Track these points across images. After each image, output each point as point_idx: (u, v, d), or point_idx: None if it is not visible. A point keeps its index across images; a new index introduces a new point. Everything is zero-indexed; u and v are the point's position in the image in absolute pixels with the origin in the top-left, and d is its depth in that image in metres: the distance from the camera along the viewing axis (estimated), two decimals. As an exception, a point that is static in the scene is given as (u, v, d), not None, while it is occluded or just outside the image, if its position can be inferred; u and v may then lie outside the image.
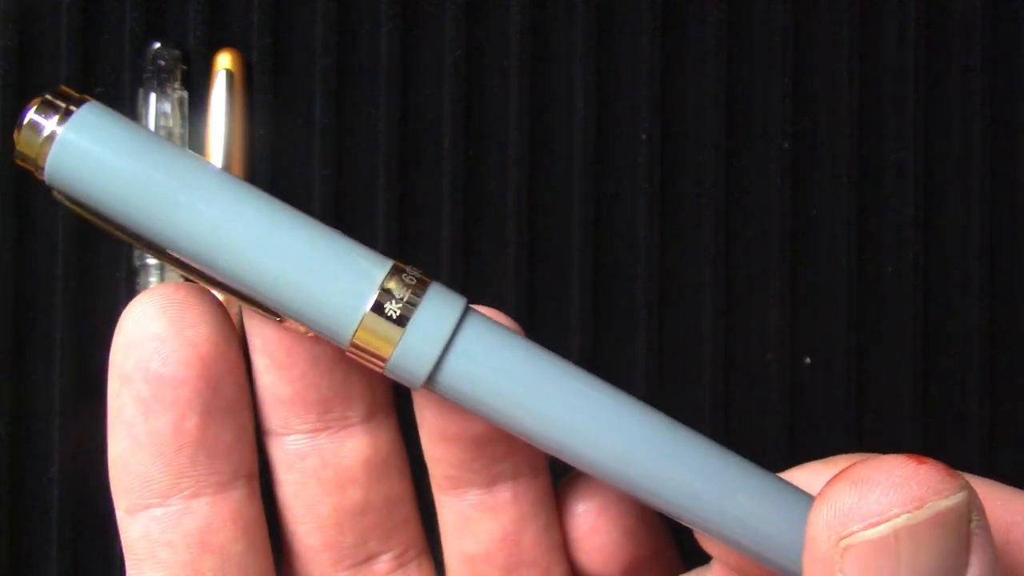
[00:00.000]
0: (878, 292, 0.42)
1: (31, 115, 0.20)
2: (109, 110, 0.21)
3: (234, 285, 0.21)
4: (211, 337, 0.22)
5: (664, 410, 0.41)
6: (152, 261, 0.40)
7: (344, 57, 0.41)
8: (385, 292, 0.21)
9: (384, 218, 0.41)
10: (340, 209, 0.41)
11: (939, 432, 0.42)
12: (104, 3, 0.41)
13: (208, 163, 0.21)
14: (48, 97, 0.21)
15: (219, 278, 0.21)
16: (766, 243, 0.42)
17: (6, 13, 0.40)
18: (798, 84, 0.42)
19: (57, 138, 0.20)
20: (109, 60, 0.41)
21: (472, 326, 0.21)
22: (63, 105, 0.20)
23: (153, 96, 0.40)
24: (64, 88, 0.21)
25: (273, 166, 0.41)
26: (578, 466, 0.21)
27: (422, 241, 0.41)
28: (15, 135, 0.21)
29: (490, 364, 0.21)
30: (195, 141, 0.41)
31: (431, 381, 0.21)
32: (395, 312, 0.21)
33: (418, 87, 0.41)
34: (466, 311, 0.21)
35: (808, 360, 0.42)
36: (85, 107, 0.20)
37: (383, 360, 0.20)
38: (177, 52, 0.40)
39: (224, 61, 0.41)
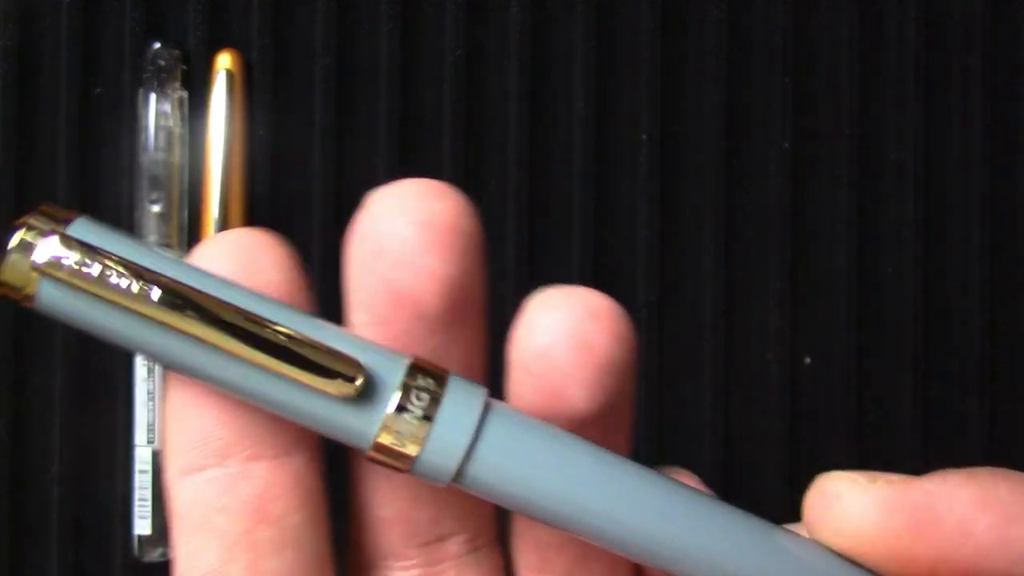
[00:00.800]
0: (878, 292, 0.42)
1: (19, 239, 0.19)
2: (100, 224, 0.20)
3: (242, 395, 0.20)
4: (282, 286, 0.21)
5: (664, 410, 0.41)
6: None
7: (344, 57, 0.41)
8: (406, 389, 0.20)
9: (384, 218, 0.41)
10: (340, 209, 0.41)
11: (939, 432, 0.42)
12: (104, 3, 0.41)
13: (183, 263, 0.20)
14: (33, 220, 0.19)
15: (228, 389, 0.20)
16: (766, 243, 0.42)
17: (6, 13, 0.40)
18: (798, 84, 0.42)
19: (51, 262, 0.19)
20: (109, 60, 0.41)
21: (496, 416, 0.20)
22: (51, 226, 0.19)
23: (153, 96, 0.40)
24: (47, 208, 0.20)
25: (273, 166, 0.41)
26: (607, 547, 0.21)
27: (422, 241, 0.41)
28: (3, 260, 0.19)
29: (518, 452, 0.20)
30: (195, 141, 0.41)
31: (457, 476, 0.20)
32: (419, 409, 0.20)
33: (418, 87, 0.41)
34: (488, 401, 0.20)
35: (808, 360, 0.42)
36: (76, 224, 0.19)
37: (409, 460, 0.20)
38: (177, 52, 0.40)
39: (224, 61, 0.41)
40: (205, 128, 0.40)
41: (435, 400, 0.20)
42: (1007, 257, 0.43)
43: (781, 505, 0.42)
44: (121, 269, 0.19)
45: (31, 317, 0.41)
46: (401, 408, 0.19)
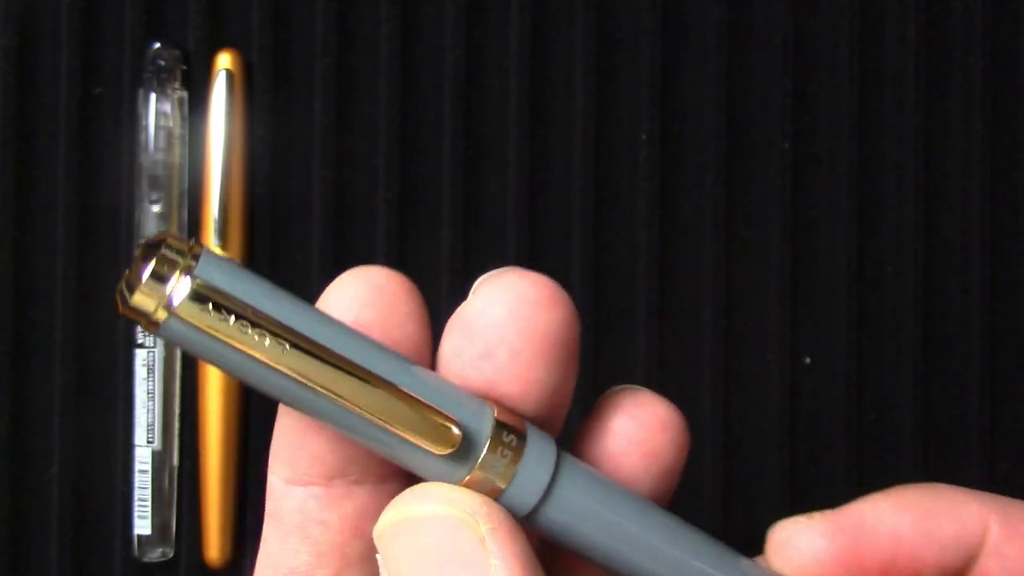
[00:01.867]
0: (878, 292, 0.42)
1: (152, 270, 0.20)
2: (224, 260, 0.20)
3: (352, 434, 0.21)
4: (414, 334, 0.22)
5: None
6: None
7: (344, 57, 0.41)
8: (493, 441, 0.21)
9: (384, 218, 0.41)
10: (340, 209, 0.41)
11: (939, 432, 0.42)
12: (104, 3, 0.41)
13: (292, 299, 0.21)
14: (165, 252, 0.20)
15: (352, 433, 0.21)
16: (766, 243, 0.42)
17: (6, 13, 0.40)
18: (798, 84, 0.42)
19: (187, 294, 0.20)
20: (109, 60, 0.41)
21: (567, 464, 0.22)
22: (182, 261, 0.20)
23: (153, 96, 0.40)
24: (173, 238, 0.20)
25: (273, 166, 0.41)
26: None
27: (422, 241, 0.41)
28: (127, 292, 0.20)
29: (588, 496, 0.22)
30: (195, 141, 0.41)
31: (531, 514, 0.22)
32: (508, 450, 0.21)
33: (418, 87, 0.41)
34: (559, 450, 0.22)
35: (808, 360, 0.42)
36: (204, 260, 0.20)
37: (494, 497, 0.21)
38: (177, 52, 0.40)
39: (224, 61, 0.41)
40: (205, 128, 0.40)
41: (517, 453, 0.21)
42: (1007, 257, 0.43)
43: (780, 505, 0.42)
44: (252, 319, 0.20)
45: (31, 317, 0.41)
46: (493, 447, 0.21)
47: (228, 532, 0.40)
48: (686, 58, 0.42)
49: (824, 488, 0.42)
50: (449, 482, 0.21)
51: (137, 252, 0.21)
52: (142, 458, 0.40)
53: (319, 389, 0.20)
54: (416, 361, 0.21)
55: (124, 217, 0.40)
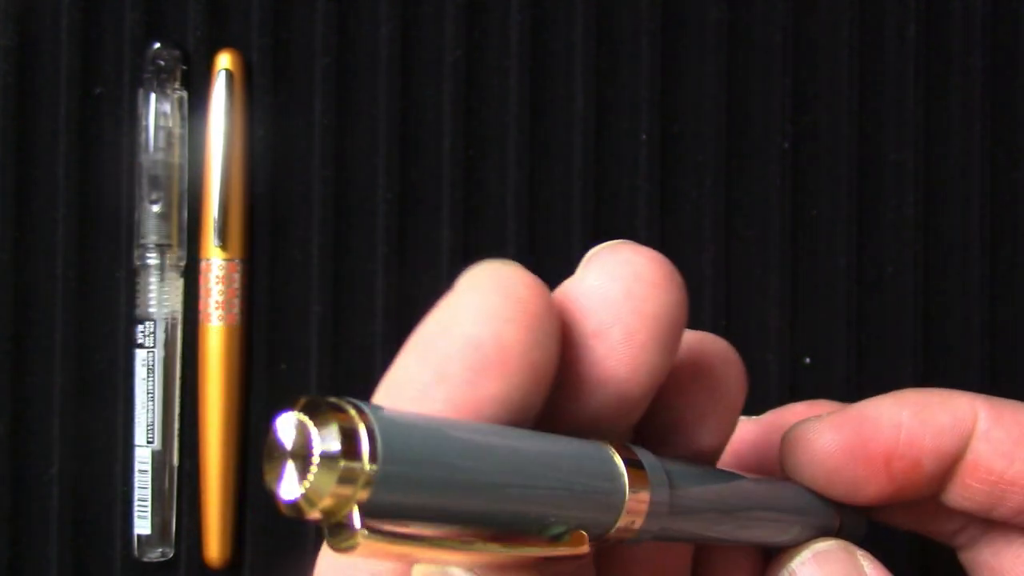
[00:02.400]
0: (878, 292, 0.42)
1: (322, 450, 0.16)
2: (396, 413, 0.17)
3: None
4: (553, 354, 0.20)
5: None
6: (152, 262, 0.40)
7: (344, 57, 0.41)
8: (629, 466, 0.21)
9: (384, 218, 0.41)
10: (340, 209, 0.41)
11: (939, 432, 0.42)
12: (104, 3, 0.41)
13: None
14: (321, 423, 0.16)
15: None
16: (766, 243, 0.42)
17: (6, 13, 0.40)
18: (798, 84, 0.42)
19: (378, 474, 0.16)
20: (109, 60, 0.41)
21: (675, 474, 0.22)
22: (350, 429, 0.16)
23: (153, 96, 0.40)
24: (322, 400, 0.17)
25: (273, 166, 0.41)
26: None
27: (422, 241, 0.41)
28: (304, 493, 0.16)
29: (697, 496, 0.23)
30: (195, 141, 0.41)
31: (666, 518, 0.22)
32: (635, 517, 0.21)
33: (418, 87, 0.41)
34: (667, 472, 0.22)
35: (808, 360, 0.42)
36: (377, 423, 0.17)
37: (639, 519, 0.21)
38: (177, 52, 0.40)
39: (224, 61, 0.41)
40: (205, 128, 0.40)
41: (643, 492, 0.21)
42: (1007, 257, 0.43)
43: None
44: (431, 526, 0.18)
45: (31, 317, 0.41)
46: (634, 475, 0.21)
47: (228, 532, 0.40)
48: (686, 58, 0.42)
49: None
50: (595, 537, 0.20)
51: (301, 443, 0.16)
52: (142, 458, 0.40)
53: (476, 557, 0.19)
54: (544, 382, 0.20)
55: (124, 217, 0.40)
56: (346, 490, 0.16)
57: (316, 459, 0.16)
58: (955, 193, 0.43)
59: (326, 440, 0.16)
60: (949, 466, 0.25)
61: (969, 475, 0.25)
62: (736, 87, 0.42)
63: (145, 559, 0.40)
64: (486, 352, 0.19)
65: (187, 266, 0.41)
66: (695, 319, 0.42)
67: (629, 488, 0.20)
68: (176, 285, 0.40)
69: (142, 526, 0.40)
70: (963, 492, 0.25)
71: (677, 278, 0.21)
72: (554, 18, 0.42)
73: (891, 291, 0.42)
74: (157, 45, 0.40)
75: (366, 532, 0.16)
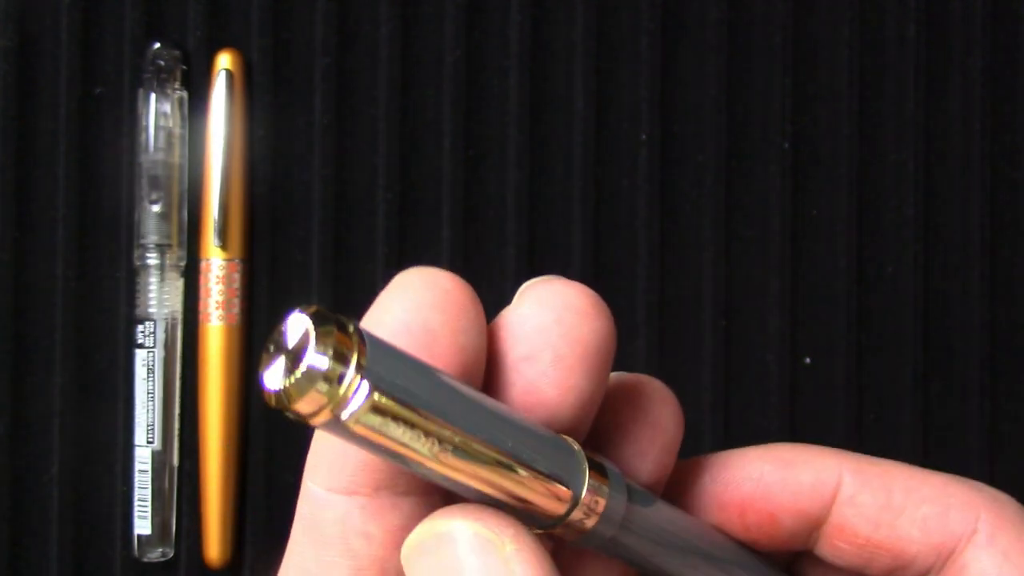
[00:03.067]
0: (878, 292, 0.42)
1: (312, 357, 0.18)
2: (384, 346, 0.19)
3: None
4: (477, 343, 0.22)
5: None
6: (152, 261, 0.40)
7: (344, 57, 0.41)
8: (593, 475, 0.22)
9: (384, 218, 0.41)
10: (340, 209, 0.41)
11: (939, 432, 0.42)
12: (104, 3, 0.41)
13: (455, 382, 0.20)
14: (333, 344, 0.18)
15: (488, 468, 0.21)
16: (766, 243, 0.42)
17: (6, 13, 0.40)
18: (798, 84, 0.42)
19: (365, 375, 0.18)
20: (109, 60, 0.41)
21: (633, 491, 0.23)
22: (348, 353, 0.18)
23: (153, 96, 0.40)
24: (318, 309, 0.18)
25: (273, 166, 0.41)
26: None
27: (422, 241, 0.41)
28: (291, 390, 0.18)
29: (653, 519, 0.23)
30: (195, 141, 0.41)
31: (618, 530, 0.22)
32: (590, 508, 0.22)
33: (418, 87, 0.41)
34: (628, 484, 0.23)
35: (808, 360, 0.42)
36: (371, 353, 0.18)
37: (580, 534, 0.22)
38: (177, 52, 0.40)
39: (224, 61, 0.41)
40: (205, 128, 0.40)
41: (600, 485, 0.22)
42: (1007, 257, 0.43)
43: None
44: (417, 424, 0.19)
45: (31, 317, 0.41)
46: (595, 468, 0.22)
47: (228, 532, 0.40)
48: (686, 58, 0.42)
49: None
50: (545, 525, 0.21)
51: (293, 334, 0.18)
52: (142, 458, 0.40)
53: (465, 480, 0.20)
54: (474, 368, 0.21)
55: (124, 217, 0.40)
56: (321, 401, 0.18)
57: (303, 366, 0.18)
58: (955, 193, 0.43)
59: (319, 353, 0.18)
60: (812, 525, 0.25)
61: (836, 536, 0.25)
62: (736, 87, 0.42)
63: (145, 559, 0.40)
64: (415, 336, 0.21)
65: (187, 266, 0.41)
66: (695, 319, 0.42)
67: (588, 481, 0.21)
68: (176, 285, 0.40)
69: (142, 526, 0.40)
70: (832, 551, 0.25)
71: (605, 309, 0.22)
72: (554, 18, 0.42)
73: (891, 291, 0.42)
74: (157, 45, 0.40)
75: (371, 403, 0.18)
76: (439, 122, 0.41)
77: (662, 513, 0.24)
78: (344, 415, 0.18)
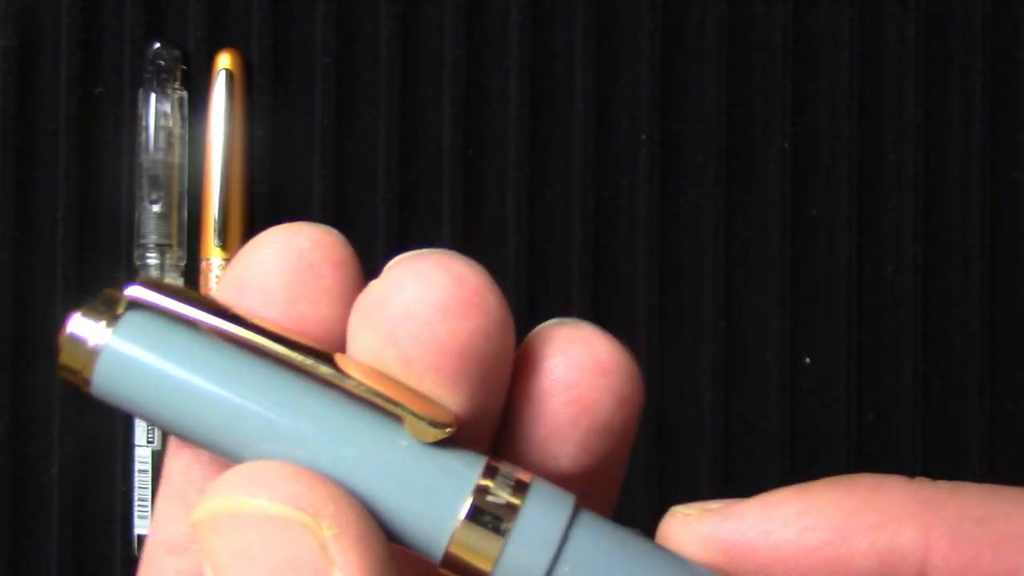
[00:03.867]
0: (878, 292, 0.42)
1: (74, 325, 0.19)
2: (155, 316, 0.19)
3: None
4: (325, 315, 0.19)
5: (664, 409, 0.41)
6: (152, 261, 0.40)
7: (344, 57, 0.41)
8: (480, 494, 0.18)
9: (384, 218, 0.41)
10: (340, 209, 0.41)
11: (939, 432, 0.42)
12: (104, 3, 0.41)
13: (253, 359, 0.19)
14: (90, 306, 0.19)
15: None
16: (766, 243, 0.42)
17: (6, 13, 0.40)
18: (798, 84, 0.42)
19: (104, 348, 0.19)
20: (109, 60, 0.41)
21: (584, 529, 0.18)
22: (107, 311, 0.19)
23: (153, 96, 0.40)
24: (108, 292, 0.19)
25: (273, 166, 0.41)
26: None
27: (422, 241, 0.41)
28: (59, 345, 0.19)
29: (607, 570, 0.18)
30: (195, 141, 0.41)
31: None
32: (495, 519, 0.17)
33: (418, 87, 0.41)
34: (576, 512, 0.18)
35: (808, 360, 0.42)
36: (130, 313, 0.19)
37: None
38: (177, 52, 0.40)
39: (224, 61, 0.41)
40: (205, 128, 0.40)
41: (513, 509, 0.18)
42: (1007, 257, 0.43)
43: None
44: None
45: (31, 317, 0.41)
46: (475, 515, 0.17)
47: (228, 532, 0.40)
48: (686, 58, 0.42)
49: (824, 488, 0.42)
50: (428, 547, 0.18)
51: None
52: (142, 458, 0.40)
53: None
54: (323, 345, 0.19)
55: (124, 217, 0.40)
56: (74, 365, 0.19)
57: (65, 331, 0.19)
58: (955, 193, 0.43)
59: (76, 322, 0.19)
60: None
61: None
62: (736, 87, 0.42)
63: (145, 559, 0.40)
64: (256, 301, 0.19)
65: (187, 266, 0.41)
66: (696, 319, 0.42)
67: (461, 526, 0.17)
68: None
69: (142, 526, 0.40)
70: None
71: (480, 302, 0.18)
72: (554, 18, 0.42)
73: (891, 291, 0.42)
74: (157, 45, 0.40)
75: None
76: (439, 122, 0.41)
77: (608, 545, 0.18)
78: (91, 380, 0.19)
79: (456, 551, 0.17)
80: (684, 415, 0.42)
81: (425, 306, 0.18)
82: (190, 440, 0.19)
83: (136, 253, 0.40)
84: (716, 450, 0.41)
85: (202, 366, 0.19)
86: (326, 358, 0.18)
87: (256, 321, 0.19)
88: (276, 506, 0.17)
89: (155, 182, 0.40)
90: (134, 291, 0.19)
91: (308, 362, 0.18)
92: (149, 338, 0.19)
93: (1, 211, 0.40)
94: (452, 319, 0.18)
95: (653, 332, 0.41)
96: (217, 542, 0.17)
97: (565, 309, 0.41)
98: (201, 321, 0.19)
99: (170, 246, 0.40)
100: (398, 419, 0.18)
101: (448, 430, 0.18)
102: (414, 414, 0.18)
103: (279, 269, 0.19)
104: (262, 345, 0.18)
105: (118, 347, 0.19)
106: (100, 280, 0.40)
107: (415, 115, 0.41)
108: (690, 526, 0.19)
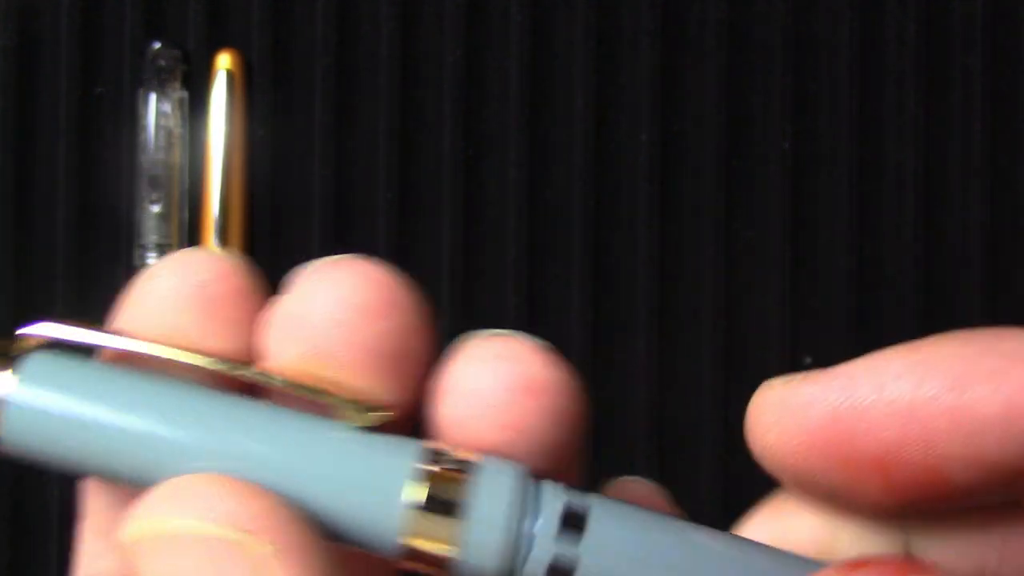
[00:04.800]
0: (878, 292, 0.42)
1: None
2: (60, 357, 0.18)
3: None
4: (235, 345, 0.19)
5: (664, 410, 0.41)
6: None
7: (344, 57, 0.41)
8: (426, 477, 0.17)
9: (384, 218, 0.41)
10: (340, 209, 0.41)
11: (939, 432, 0.42)
12: (104, 3, 0.41)
13: (177, 383, 0.18)
14: None
15: None
16: (766, 243, 0.42)
17: (6, 13, 0.40)
18: (798, 84, 0.42)
19: (8, 402, 0.18)
20: (109, 60, 0.41)
21: (546, 497, 0.17)
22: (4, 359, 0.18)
23: (153, 96, 0.40)
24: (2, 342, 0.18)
25: (273, 166, 0.41)
26: None
27: (422, 241, 0.41)
28: None
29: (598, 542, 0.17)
30: (195, 141, 0.41)
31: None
32: (446, 502, 0.17)
33: (418, 87, 0.41)
34: (528, 476, 0.17)
35: (808, 360, 0.42)
36: (31, 359, 0.18)
37: (446, 564, 0.17)
38: (177, 52, 0.40)
39: (224, 61, 0.41)
40: (205, 128, 0.40)
41: (463, 487, 0.17)
42: (1007, 257, 0.43)
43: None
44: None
45: (31, 316, 0.41)
46: (427, 502, 0.17)
47: (228, 532, 0.40)
48: (686, 58, 0.42)
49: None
50: (382, 542, 0.17)
51: None
52: (142, 458, 0.40)
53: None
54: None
55: (124, 217, 0.40)
56: None
57: None
58: (955, 193, 0.43)
59: None
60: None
61: None
62: (736, 87, 0.42)
63: (145, 559, 0.40)
64: (158, 342, 0.18)
65: (187, 266, 0.41)
66: (695, 319, 0.42)
67: (412, 514, 0.17)
68: (176, 285, 0.40)
69: (142, 526, 0.40)
70: None
71: (400, 302, 0.18)
72: (554, 18, 0.42)
73: (891, 291, 0.42)
74: (157, 45, 0.40)
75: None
76: (439, 122, 0.41)
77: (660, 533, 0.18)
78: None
79: (412, 541, 0.17)
80: (684, 415, 0.42)
81: (349, 310, 0.17)
82: (114, 479, 0.18)
83: (136, 253, 0.40)
84: (716, 450, 0.41)
85: (116, 396, 0.18)
86: (247, 364, 0.18)
87: (167, 341, 0.18)
88: (206, 526, 0.16)
89: (155, 182, 0.40)
90: (30, 332, 0.18)
91: (231, 367, 0.18)
92: (56, 380, 0.18)
93: (1, 211, 0.40)
94: (378, 320, 0.17)
95: (653, 332, 0.41)
96: (146, 566, 0.16)
97: (565, 309, 0.41)
98: (110, 348, 0.18)
99: (170, 246, 0.40)
100: (328, 416, 0.17)
101: (388, 412, 0.17)
102: (349, 400, 0.17)
103: (179, 306, 0.18)
104: (181, 361, 0.18)
105: (25, 396, 0.18)
106: (100, 280, 0.40)
107: (415, 115, 0.41)
108: (793, 391, 0.18)
